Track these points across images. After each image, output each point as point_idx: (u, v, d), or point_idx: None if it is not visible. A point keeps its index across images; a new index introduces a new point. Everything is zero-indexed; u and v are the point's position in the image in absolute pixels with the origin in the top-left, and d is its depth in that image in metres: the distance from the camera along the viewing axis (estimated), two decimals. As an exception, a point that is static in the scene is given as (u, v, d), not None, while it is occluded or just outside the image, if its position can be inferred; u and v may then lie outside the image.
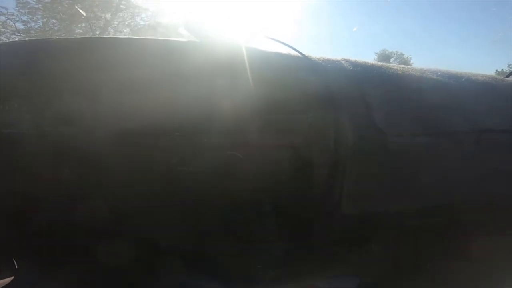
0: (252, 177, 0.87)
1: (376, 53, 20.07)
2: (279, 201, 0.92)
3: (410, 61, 19.04)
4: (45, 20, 10.37)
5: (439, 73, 1.12)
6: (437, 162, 0.94)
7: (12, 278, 0.93)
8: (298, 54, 0.97)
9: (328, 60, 0.99)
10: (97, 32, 9.92)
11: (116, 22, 10.86)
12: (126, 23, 10.95)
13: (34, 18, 10.26)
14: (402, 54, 20.23)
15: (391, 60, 17.54)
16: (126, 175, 0.84)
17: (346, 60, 1.01)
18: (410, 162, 0.91)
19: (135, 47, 0.89)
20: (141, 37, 0.92)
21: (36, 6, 10.11)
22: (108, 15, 10.50)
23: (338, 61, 1.00)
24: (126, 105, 0.82)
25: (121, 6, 10.73)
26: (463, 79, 1.15)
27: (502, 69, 16.91)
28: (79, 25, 10.33)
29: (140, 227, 0.89)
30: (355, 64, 1.00)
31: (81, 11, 8.92)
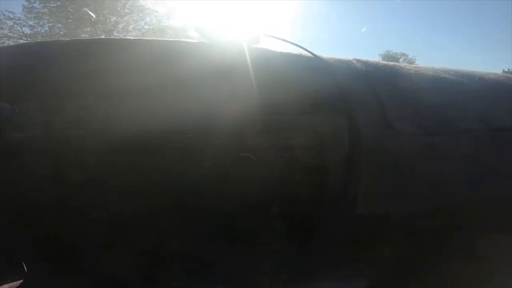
0: (264, 178, 0.86)
1: (380, 54, 19.91)
2: (292, 202, 0.92)
3: (415, 62, 18.95)
4: (51, 24, 10.49)
5: (451, 72, 1.11)
6: (453, 161, 0.92)
7: (21, 281, 0.92)
8: (309, 55, 0.97)
9: (340, 60, 0.98)
10: (103, 36, 10.01)
11: (120, 26, 10.95)
12: (131, 27, 11.05)
13: (41, 22, 10.39)
14: (407, 55, 20.14)
15: (400, 61, 17.40)
16: (135, 177, 0.83)
17: (358, 60, 1.00)
18: (425, 161, 0.90)
19: (146, 48, 0.89)
20: (152, 38, 0.92)
21: (42, 10, 10.24)
22: (113, 18, 10.59)
23: (350, 61, 0.99)
24: (138, 106, 0.82)
25: (126, 10, 10.82)
26: (476, 78, 1.14)
27: (508, 69, 16.74)
28: (85, 29, 10.44)
29: (146, 231, 0.88)
30: (367, 64, 0.99)
31: (90, 13, 9.00)
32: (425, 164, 0.91)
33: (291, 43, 1.00)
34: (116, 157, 0.79)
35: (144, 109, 0.81)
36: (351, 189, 0.86)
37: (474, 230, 0.96)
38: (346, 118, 0.87)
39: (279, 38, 1.00)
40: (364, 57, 1.05)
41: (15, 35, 9.97)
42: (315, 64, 0.95)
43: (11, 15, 9.82)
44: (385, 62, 1.11)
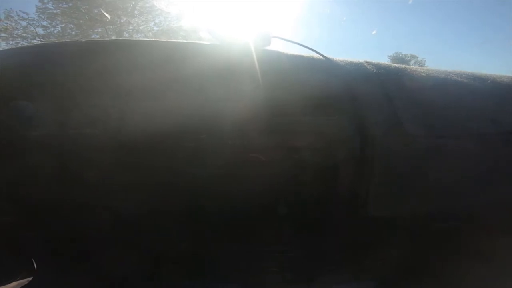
0: (275, 178, 0.86)
1: (389, 56, 19.61)
2: (302, 203, 0.91)
3: (425, 64, 18.71)
4: (63, 25, 10.69)
5: (463, 75, 1.09)
6: (465, 163, 0.91)
7: (30, 278, 0.93)
8: (320, 57, 0.96)
9: (351, 63, 0.97)
10: (113, 37, 10.16)
11: (131, 27, 11.09)
12: (141, 27, 11.18)
13: (53, 23, 10.60)
14: (417, 57, 19.84)
15: (411, 63, 17.15)
16: (144, 176, 0.84)
17: (369, 63, 0.99)
18: (437, 163, 0.89)
19: (159, 49, 0.90)
20: (166, 40, 0.92)
21: (55, 11, 10.44)
22: (124, 19, 10.75)
23: (360, 63, 0.98)
24: (150, 106, 0.82)
25: (136, 12, 10.96)
26: (488, 81, 1.12)
27: (522, 72, 16.40)
28: (96, 30, 10.61)
29: (155, 231, 0.88)
30: (378, 67, 0.98)
31: (105, 14, 9.16)
32: (436, 166, 0.89)
33: (302, 45, 0.99)
34: (129, 156, 0.80)
35: (158, 109, 0.82)
36: (361, 190, 0.86)
37: (483, 232, 0.94)
38: (356, 119, 0.87)
39: (290, 40, 1.00)
40: (373, 59, 1.04)
41: (29, 35, 10.19)
42: (325, 66, 0.95)
43: (25, 16, 10.05)
44: (396, 65, 1.10)
